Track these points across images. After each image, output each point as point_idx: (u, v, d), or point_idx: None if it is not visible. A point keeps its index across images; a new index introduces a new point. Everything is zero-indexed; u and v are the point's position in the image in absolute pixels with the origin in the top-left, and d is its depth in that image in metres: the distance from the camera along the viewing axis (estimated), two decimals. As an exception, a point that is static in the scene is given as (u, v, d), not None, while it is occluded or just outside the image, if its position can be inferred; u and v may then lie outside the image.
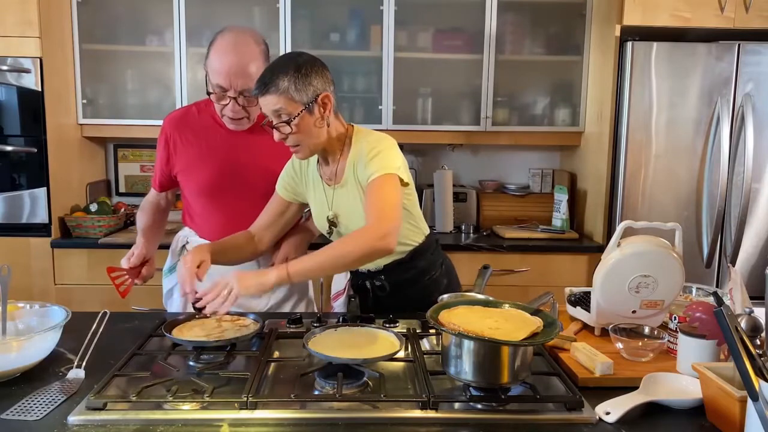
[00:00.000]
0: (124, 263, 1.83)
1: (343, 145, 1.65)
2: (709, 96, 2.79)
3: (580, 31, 3.14)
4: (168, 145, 1.89)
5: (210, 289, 1.44)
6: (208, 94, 1.77)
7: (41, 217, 2.85)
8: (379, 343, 1.40)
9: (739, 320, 1.32)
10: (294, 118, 1.51)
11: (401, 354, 1.37)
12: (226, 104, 1.75)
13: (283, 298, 1.96)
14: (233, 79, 1.70)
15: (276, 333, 1.53)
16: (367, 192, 1.57)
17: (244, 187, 1.85)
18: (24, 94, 2.77)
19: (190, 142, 1.87)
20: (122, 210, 3.12)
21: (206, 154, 1.85)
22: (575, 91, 3.20)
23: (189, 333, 1.46)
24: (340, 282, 1.89)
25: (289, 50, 3.00)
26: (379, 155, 1.57)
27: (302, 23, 3.05)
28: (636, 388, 1.24)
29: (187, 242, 1.97)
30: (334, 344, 1.38)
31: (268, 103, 1.51)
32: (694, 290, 1.74)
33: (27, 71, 2.75)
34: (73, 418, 1.13)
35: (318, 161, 1.72)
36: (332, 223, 1.71)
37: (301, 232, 1.91)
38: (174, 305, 2.01)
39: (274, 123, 1.54)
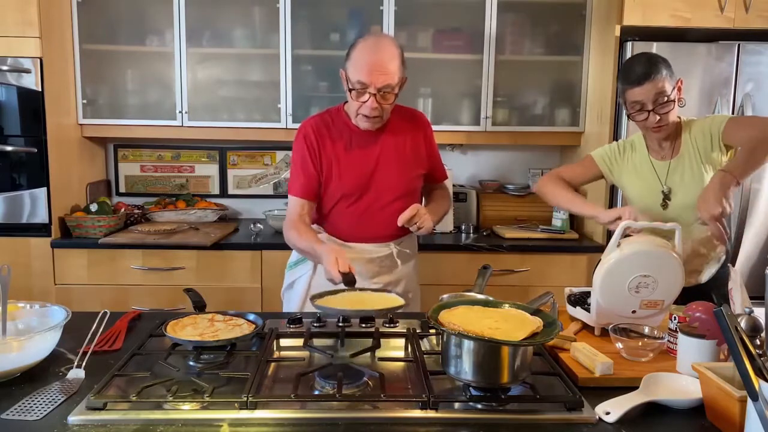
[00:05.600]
0: (335, 270, 1.63)
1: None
2: (709, 96, 2.79)
3: (580, 31, 3.13)
4: (312, 148, 1.94)
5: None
6: (349, 91, 1.84)
7: (41, 217, 2.85)
8: (384, 301, 1.54)
9: (739, 320, 1.33)
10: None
11: (401, 354, 1.37)
12: (365, 101, 1.82)
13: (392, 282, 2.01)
14: (374, 76, 1.79)
15: (276, 333, 1.53)
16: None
17: (379, 185, 1.95)
18: (24, 94, 2.77)
19: (330, 146, 1.95)
20: (122, 210, 3.11)
21: (345, 156, 1.94)
22: (575, 91, 3.19)
23: (181, 332, 1.45)
24: None
25: (289, 50, 3.00)
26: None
27: (302, 23, 3.05)
28: (636, 388, 1.24)
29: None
30: (341, 302, 1.53)
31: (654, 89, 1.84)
32: None
33: (27, 71, 2.75)
34: (73, 418, 1.13)
35: (647, 145, 2.00)
36: (666, 197, 1.95)
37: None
38: (294, 298, 2.05)
39: (658, 107, 1.84)
